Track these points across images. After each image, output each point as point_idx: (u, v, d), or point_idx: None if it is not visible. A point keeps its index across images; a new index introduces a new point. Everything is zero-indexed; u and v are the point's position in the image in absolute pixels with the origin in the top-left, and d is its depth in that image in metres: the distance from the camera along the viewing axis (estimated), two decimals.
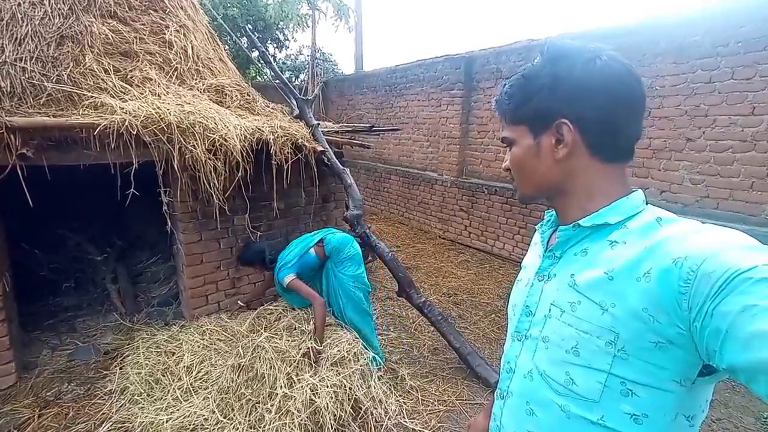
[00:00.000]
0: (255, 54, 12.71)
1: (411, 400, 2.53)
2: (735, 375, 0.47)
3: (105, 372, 2.68)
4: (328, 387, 2.17)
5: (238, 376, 2.29)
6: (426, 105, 6.09)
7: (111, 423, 2.23)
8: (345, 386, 2.22)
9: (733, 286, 0.45)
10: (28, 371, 2.63)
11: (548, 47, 0.66)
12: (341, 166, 3.24)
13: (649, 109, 3.72)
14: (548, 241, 0.74)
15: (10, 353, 2.47)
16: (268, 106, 3.47)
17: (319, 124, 3.35)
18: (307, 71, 10.42)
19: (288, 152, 2.93)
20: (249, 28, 11.10)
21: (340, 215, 3.65)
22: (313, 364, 2.31)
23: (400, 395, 2.53)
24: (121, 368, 2.65)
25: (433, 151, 6.09)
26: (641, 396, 0.56)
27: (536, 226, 0.81)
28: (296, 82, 11.30)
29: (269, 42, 12.10)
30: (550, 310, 0.66)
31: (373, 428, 2.23)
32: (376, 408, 2.27)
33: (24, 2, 2.47)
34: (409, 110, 6.48)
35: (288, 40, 12.18)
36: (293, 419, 2.04)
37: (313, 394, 2.14)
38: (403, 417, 2.36)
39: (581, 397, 0.60)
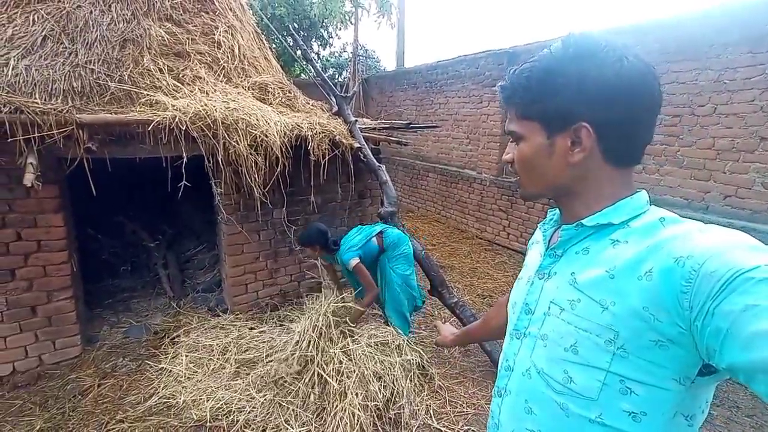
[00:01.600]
0: (300, 52, 13.04)
1: (439, 400, 2.51)
2: (735, 375, 0.46)
3: (154, 350, 2.89)
4: (371, 369, 2.22)
5: (287, 368, 2.39)
6: (467, 102, 5.97)
7: (158, 397, 2.42)
8: (386, 375, 2.26)
9: (735, 286, 0.45)
10: (90, 344, 2.91)
11: (575, 42, 0.61)
12: (377, 163, 3.26)
13: (714, 106, 3.40)
14: (550, 240, 0.73)
15: (77, 327, 2.74)
16: (309, 103, 3.56)
17: (356, 120, 3.39)
18: (350, 68, 10.55)
19: (325, 148, 2.99)
20: (295, 27, 11.41)
21: (375, 212, 3.68)
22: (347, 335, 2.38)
23: (428, 395, 2.52)
24: (171, 348, 2.86)
25: (472, 149, 5.96)
26: (640, 394, 0.56)
27: (538, 224, 0.80)
28: (339, 79, 11.49)
29: (314, 40, 12.38)
30: (549, 308, 0.66)
31: (403, 426, 2.24)
32: (409, 404, 2.29)
33: (95, 10, 2.72)
34: (449, 107, 6.38)
35: (332, 37, 12.40)
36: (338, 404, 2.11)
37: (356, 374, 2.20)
38: (430, 417, 2.35)
39: (579, 395, 0.60)
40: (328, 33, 12.22)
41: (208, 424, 2.23)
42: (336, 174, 3.39)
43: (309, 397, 2.23)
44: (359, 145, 3.19)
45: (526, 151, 0.68)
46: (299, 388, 2.27)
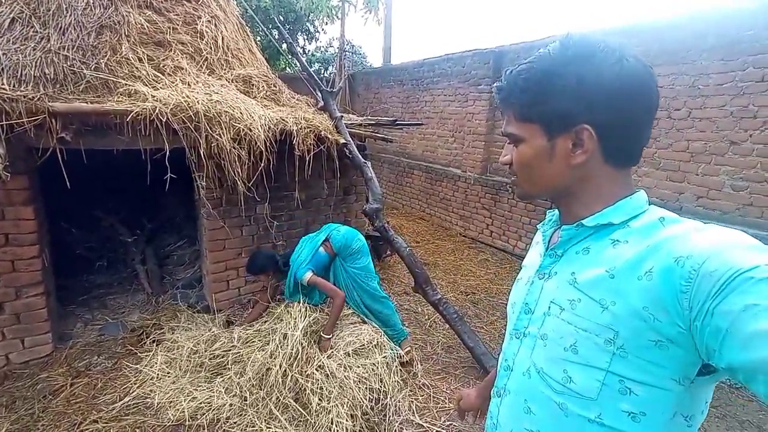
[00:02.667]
0: (285, 45, 12.84)
1: (422, 396, 2.53)
2: (734, 374, 0.47)
3: (131, 348, 2.81)
4: (352, 378, 2.22)
5: (264, 370, 2.35)
6: (452, 100, 6.00)
7: (132, 397, 2.35)
8: (370, 377, 2.26)
9: (734, 286, 0.45)
10: (63, 342, 2.80)
11: (574, 43, 0.61)
12: (363, 159, 3.24)
13: (689, 110, 3.51)
14: (550, 240, 0.74)
15: (48, 324, 2.63)
16: (294, 98, 3.51)
17: (342, 116, 3.36)
18: (336, 63, 10.47)
19: (311, 143, 2.96)
20: (280, 20, 11.25)
21: (360, 208, 3.66)
22: (322, 354, 2.35)
23: (411, 391, 2.54)
24: (148, 346, 2.78)
25: (457, 147, 6.00)
26: (639, 394, 0.56)
27: (537, 225, 0.80)
28: (325, 74, 11.38)
29: (299, 34, 12.22)
30: (549, 307, 0.66)
31: (387, 423, 2.25)
32: (393, 400, 2.29)
33: None
34: (434, 105, 6.40)
35: (318, 32, 12.28)
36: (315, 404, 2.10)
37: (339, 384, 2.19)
38: (413, 413, 2.37)
39: (579, 395, 0.60)
40: (314, 27, 12.09)
41: (187, 423, 2.19)
42: (321, 170, 3.36)
43: (288, 408, 2.19)
44: (345, 141, 3.16)
45: (526, 153, 0.67)
46: (282, 393, 2.23)
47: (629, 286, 0.55)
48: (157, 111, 2.27)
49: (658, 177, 3.80)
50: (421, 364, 2.80)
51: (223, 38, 3.17)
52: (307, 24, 11.69)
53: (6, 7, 2.42)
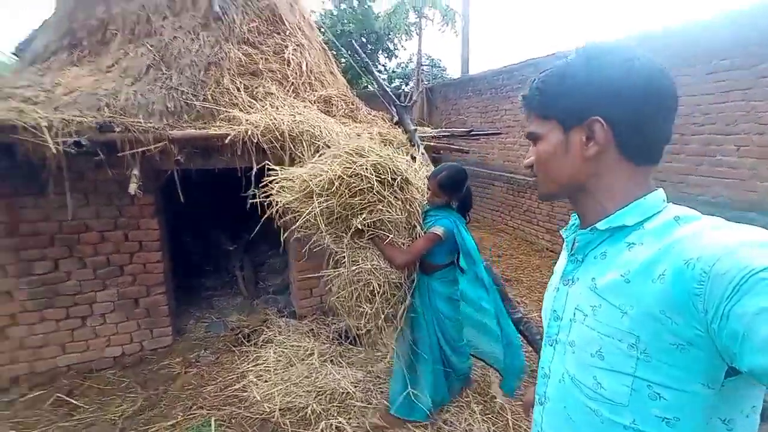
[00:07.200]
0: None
1: (501, 422, 2.35)
2: (757, 378, 0.46)
3: (230, 345, 3.15)
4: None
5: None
6: None
7: (232, 390, 2.63)
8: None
9: (748, 287, 0.44)
10: (179, 335, 3.26)
11: (588, 47, 0.65)
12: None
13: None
14: (572, 245, 0.73)
15: (169, 319, 3.09)
16: (370, 114, 3.66)
17: (416, 129, 3.40)
18: (414, 78, 10.68)
19: None
20: (362, 41, 11.89)
21: None
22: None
23: (488, 416, 2.37)
24: (245, 347, 3.08)
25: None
26: (668, 399, 0.55)
27: (561, 231, 0.80)
28: (405, 89, 11.67)
29: (380, 52, 12.78)
30: (575, 314, 0.66)
31: None
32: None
33: (186, 39, 3.11)
34: (515, 113, 6.10)
35: (398, 49, 12.70)
36: None
37: None
38: None
39: (610, 401, 0.60)
40: (393, 45, 12.54)
41: (273, 419, 2.36)
42: None
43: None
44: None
45: (544, 149, 0.69)
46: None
47: (644, 290, 0.55)
48: (249, 133, 2.57)
49: None
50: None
51: (306, 64, 3.47)
52: (387, 42, 12.18)
53: (145, 57, 2.99)
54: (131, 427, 2.35)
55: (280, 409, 2.40)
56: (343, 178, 1.81)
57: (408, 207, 1.98)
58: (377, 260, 1.98)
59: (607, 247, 0.65)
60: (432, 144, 3.52)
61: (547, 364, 0.74)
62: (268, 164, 2.08)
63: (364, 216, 1.84)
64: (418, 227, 2.03)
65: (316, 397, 2.51)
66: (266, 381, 2.68)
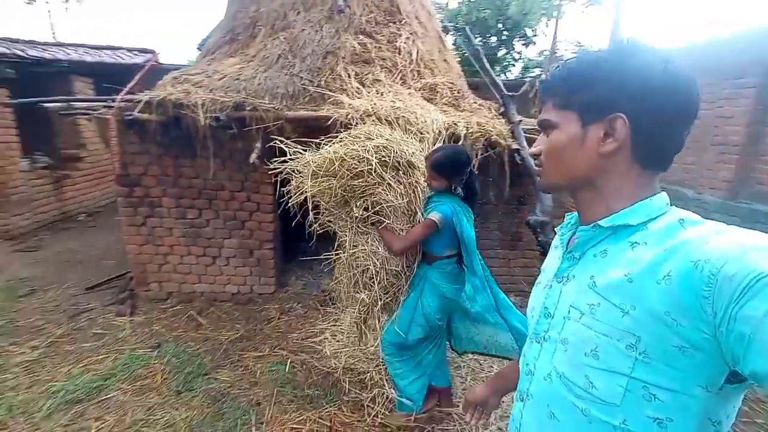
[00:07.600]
0: (502, 52, 12.86)
1: None
2: (759, 382, 0.47)
3: (318, 305, 3.57)
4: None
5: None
6: None
7: (310, 341, 3.03)
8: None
9: (756, 290, 0.45)
10: (281, 287, 3.83)
11: (624, 43, 0.64)
12: (536, 168, 2.98)
13: None
14: (568, 243, 0.73)
15: (274, 272, 3.67)
16: (476, 103, 3.55)
17: (521, 120, 3.18)
18: (545, 65, 9.76)
19: (479, 148, 2.95)
20: (499, 27, 11.33)
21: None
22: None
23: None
24: (330, 308, 3.44)
25: (694, 161, 4.59)
26: (665, 400, 0.55)
27: (556, 229, 0.80)
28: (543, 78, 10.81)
29: (516, 39, 11.97)
30: (569, 312, 0.66)
31: None
32: None
33: (312, 30, 3.52)
34: None
35: (536, 35, 11.69)
36: None
37: None
38: None
39: (602, 401, 0.60)
40: (532, 31, 11.58)
41: (336, 374, 2.65)
42: (493, 176, 3.29)
43: None
44: (516, 147, 2.99)
45: (558, 139, 0.68)
46: None
47: (648, 291, 0.55)
48: (349, 116, 2.81)
49: None
50: None
51: (417, 51, 3.54)
52: (525, 29, 11.32)
53: (278, 48, 3.51)
54: (231, 349, 2.93)
55: (343, 368, 2.67)
56: (344, 159, 1.81)
57: (410, 192, 1.92)
58: (377, 246, 1.95)
59: (608, 245, 0.64)
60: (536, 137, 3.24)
61: (533, 361, 0.73)
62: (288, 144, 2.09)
63: (364, 199, 1.85)
64: (419, 213, 1.95)
65: (376, 366, 2.69)
66: (338, 341, 2.99)
